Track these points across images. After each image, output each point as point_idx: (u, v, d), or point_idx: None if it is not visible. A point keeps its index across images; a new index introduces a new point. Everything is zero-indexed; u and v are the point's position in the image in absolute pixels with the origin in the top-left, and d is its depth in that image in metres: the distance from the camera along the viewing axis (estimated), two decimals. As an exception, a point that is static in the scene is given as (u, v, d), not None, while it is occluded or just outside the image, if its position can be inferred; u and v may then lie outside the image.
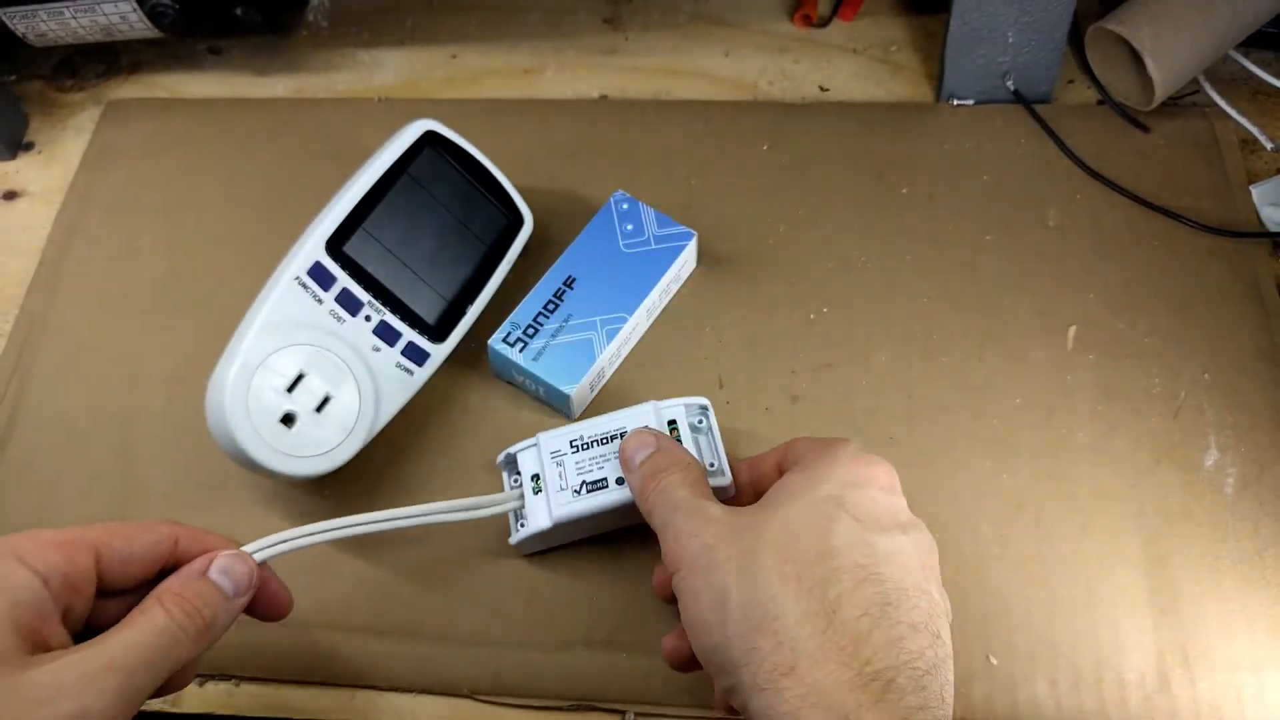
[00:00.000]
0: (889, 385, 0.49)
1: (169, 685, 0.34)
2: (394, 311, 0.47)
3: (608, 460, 0.43)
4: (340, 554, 0.46)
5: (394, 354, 0.47)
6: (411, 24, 0.65)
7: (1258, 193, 0.54)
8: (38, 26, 0.58)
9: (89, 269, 0.55)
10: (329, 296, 0.45)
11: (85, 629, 0.33)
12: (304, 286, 0.45)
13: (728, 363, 0.50)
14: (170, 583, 0.34)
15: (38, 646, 0.31)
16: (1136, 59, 0.55)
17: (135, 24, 0.57)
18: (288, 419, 0.44)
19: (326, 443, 0.44)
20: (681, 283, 0.52)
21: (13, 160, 0.61)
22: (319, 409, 0.44)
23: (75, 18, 0.57)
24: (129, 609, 0.33)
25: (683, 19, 0.65)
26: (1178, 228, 0.53)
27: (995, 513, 0.46)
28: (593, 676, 0.44)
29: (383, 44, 0.65)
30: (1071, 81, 0.60)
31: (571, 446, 0.43)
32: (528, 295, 0.49)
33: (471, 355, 0.51)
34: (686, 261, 0.52)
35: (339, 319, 0.45)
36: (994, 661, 0.43)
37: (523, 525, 0.44)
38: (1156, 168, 0.55)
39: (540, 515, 0.43)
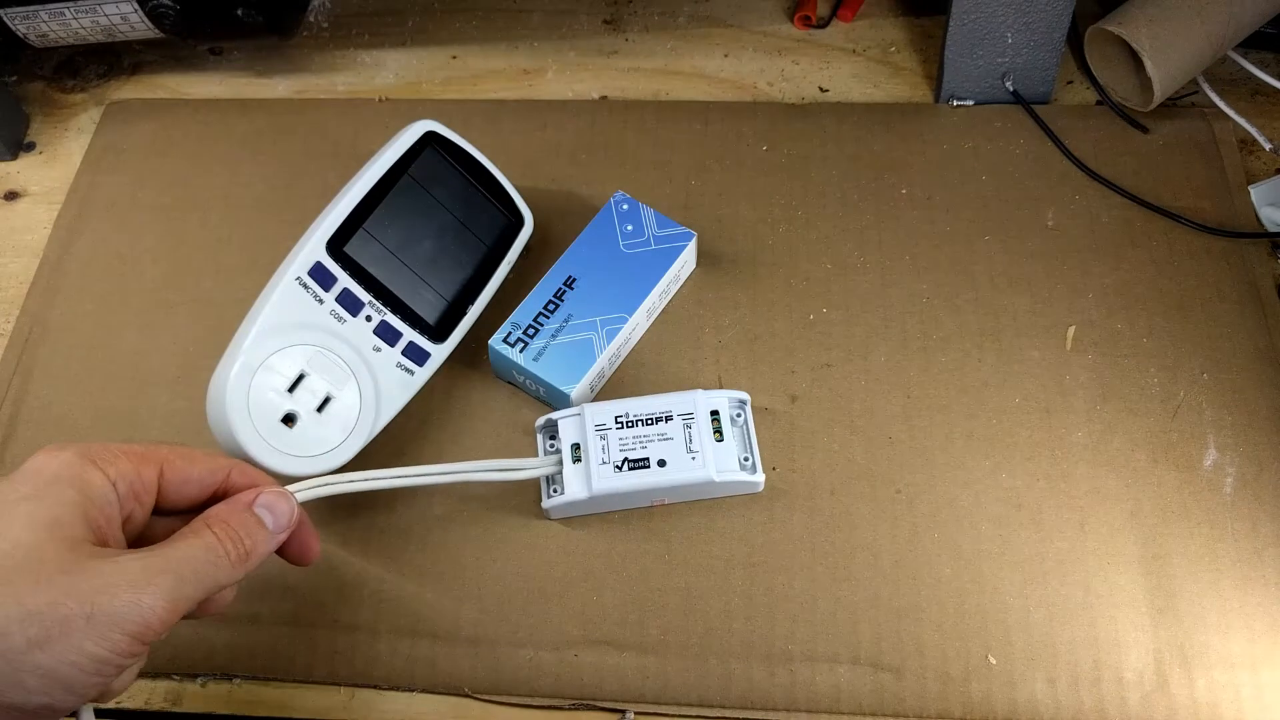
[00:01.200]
0: (887, 385, 0.49)
1: (207, 606, 0.36)
2: (395, 312, 0.47)
3: (651, 440, 0.44)
4: (340, 553, 0.47)
5: (395, 354, 0.47)
6: (412, 25, 0.66)
7: (1256, 193, 0.54)
8: (39, 27, 0.58)
9: (90, 269, 0.56)
10: (330, 297, 0.45)
11: (138, 540, 0.36)
12: (305, 287, 0.45)
13: (727, 363, 0.50)
14: (219, 509, 0.36)
15: (100, 544, 0.33)
16: (1135, 60, 0.55)
17: (136, 25, 0.57)
18: (289, 419, 0.44)
19: (327, 443, 0.45)
20: (681, 283, 0.53)
21: (14, 161, 0.61)
22: (320, 409, 0.44)
23: (76, 18, 0.57)
24: (177, 529, 0.36)
25: (682, 20, 0.65)
26: (1176, 228, 0.53)
27: (994, 512, 0.46)
28: (593, 676, 0.44)
29: (383, 45, 0.65)
30: (1070, 82, 0.60)
31: (617, 422, 0.44)
32: (528, 295, 0.49)
33: (472, 355, 0.51)
34: (686, 262, 0.52)
35: (340, 319, 0.45)
36: (993, 661, 0.43)
37: (555, 491, 0.45)
38: (1155, 168, 0.55)
39: (578, 485, 0.44)
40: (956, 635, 0.44)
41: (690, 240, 0.51)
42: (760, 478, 0.45)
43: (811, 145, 0.57)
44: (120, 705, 0.44)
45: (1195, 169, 0.55)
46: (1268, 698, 0.42)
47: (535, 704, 0.43)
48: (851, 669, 0.43)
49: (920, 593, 0.44)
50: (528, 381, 0.49)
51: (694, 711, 0.43)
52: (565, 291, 0.50)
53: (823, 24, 0.64)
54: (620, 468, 0.44)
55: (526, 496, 0.47)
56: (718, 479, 0.44)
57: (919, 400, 0.49)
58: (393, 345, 0.47)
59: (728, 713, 0.43)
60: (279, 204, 0.57)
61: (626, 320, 0.49)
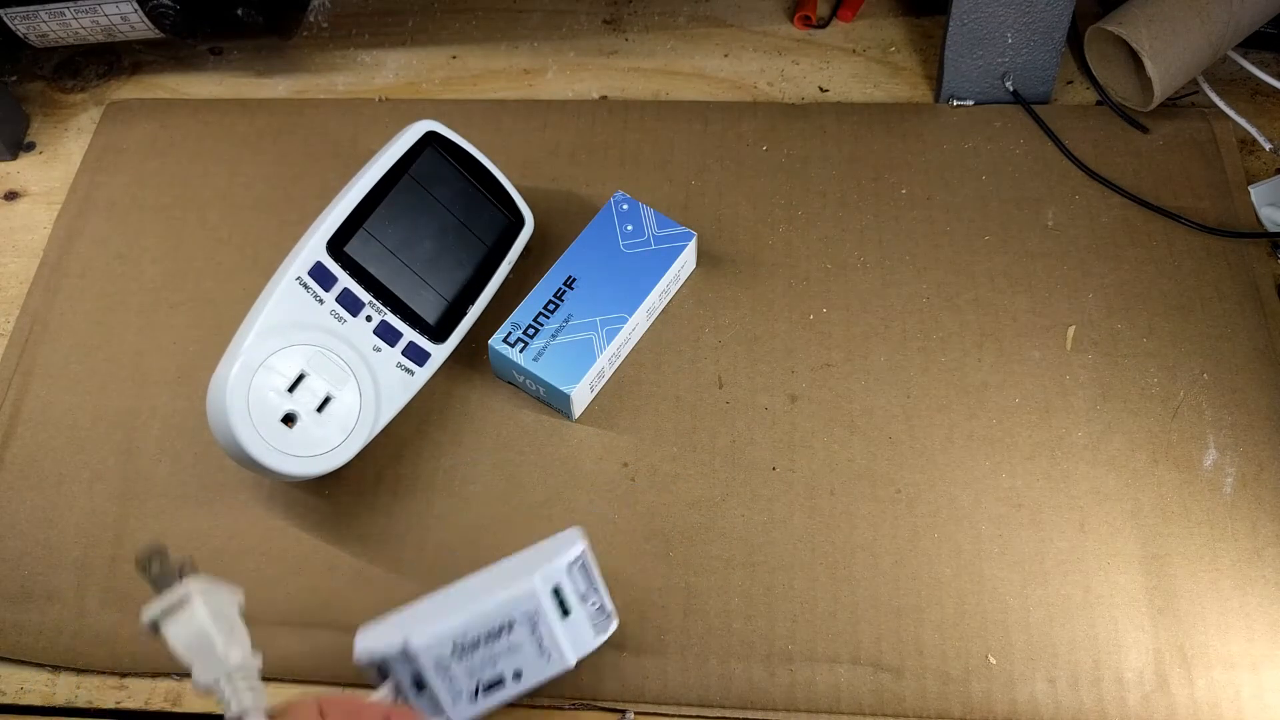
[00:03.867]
0: (887, 385, 0.50)
1: None
2: (395, 312, 0.47)
3: (501, 655, 0.39)
4: (341, 553, 0.47)
5: (395, 354, 0.47)
6: (412, 25, 0.66)
7: (1256, 193, 0.54)
8: (39, 27, 0.58)
9: (90, 269, 0.56)
10: (330, 297, 0.45)
11: None
12: (305, 287, 0.45)
13: (727, 363, 0.50)
14: None
15: None
16: (1135, 60, 0.55)
17: (136, 25, 0.57)
18: (289, 419, 0.44)
19: (327, 442, 0.45)
20: (681, 283, 0.53)
21: (14, 161, 0.61)
22: (320, 409, 0.44)
23: (76, 18, 0.57)
24: None
25: (682, 20, 0.65)
26: (1176, 228, 0.53)
27: (994, 512, 0.46)
28: (592, 676, 0.44)
29: (383, 45, 0.65)
30: (1070, 82, 0.60)
31: (458, 654, 0.39)
32: (528, 295, 0.49)
33: (472, 355, 0.51)
34: (686, 262, 0.52)
35: (340, 319, 0.46)
36: (993, 661, 0.43)
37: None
38: (1155, 168, 0.55)
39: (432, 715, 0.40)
40: (956, 635, 0.44)
41: (690, 240, 0.51)
42: (613, 625, 0.42)
43: (811, 145, 0.57)
44: (120, 705, 0.44)
45: (1195, 169, 0.55)
46: (1268, 698, 0.42)
47: (535, 704, 0.43)
48: (851, 669, 0.43)
49: (920, 593, 0.44)
50: (528, 381, 0.49)
51: (694, 711, 0.43)
52: (565, 291, 0.50)
53: (823, 24, 0.64)
54: (476, 695, 0.39)
55: (527, 497, 0.47)
56: (576, 660, 0.41)
57: (919, 400, 0.49)
58: (393, 345, 0.47)
59: (728, 713, 0.43)
60: (279, 204, 0.57)
61: (626, 320, 0.49)
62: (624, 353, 0.51)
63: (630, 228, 0.51)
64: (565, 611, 0.40)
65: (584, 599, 0.41)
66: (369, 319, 0.46)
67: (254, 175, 0.58)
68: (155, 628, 0.34)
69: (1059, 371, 0.49)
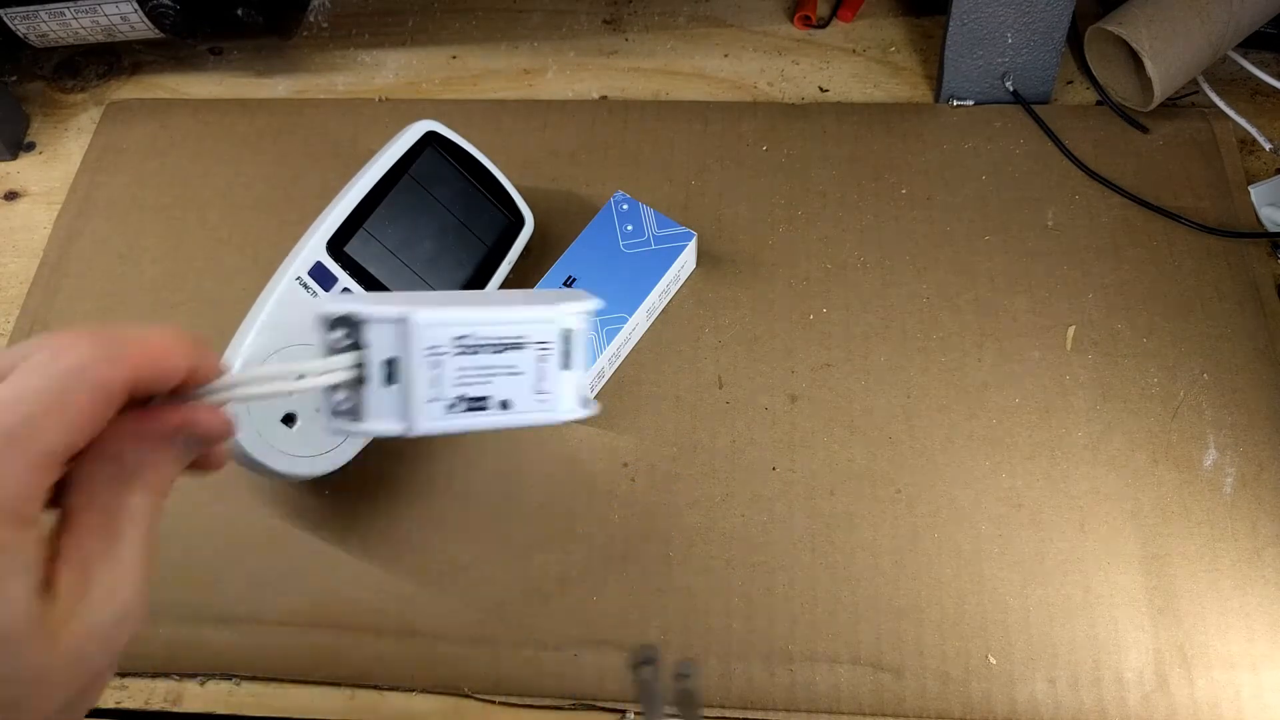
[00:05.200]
0: (887, 385, 0.49)
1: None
2: None
3: (497, 374, 0.33)
4: (341, 553, 0.47)
5: None
6: (412, 25, 0.66)
7: (1256, 193, 0.54)
8: (39, 27, 0.58)
9: (90, 269, 0.56)
10: (329, 297, 0.45)
11: None
12: (305, 286, 0.45)
13: (727, 362, 0.50)
14: (129, 450, 0.27)
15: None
16: (1135, 60, 0.55)
17: (136, 25, 0.57)
18: (289, 419, 0.44)
19: (327, 443, 0.45)
20: (681, 283, 0.53)
21: (14, 160, 0.61)
22: (320, 409, 0.44)
23: (76, 18, 0.57)
24: None
25: (682, 20, 0.65)
26: (1176, 228, 0.53)
27: (994, 512, 0.46)
28: (593, 676, 0.44)
29: (383, 45, 0.65)
30: (1070, 82, 0.60)
31: (456, 345, 0.32)
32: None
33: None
34: (686, 262, 0.52)
35: None
36: (993, 661, 0.43)
37: (350, 411, 0.32)
38: (1155, 168, 0.55)
39: (389, 415, 0.32)
40: (956, 635, 0.44)
41: (690, 240, 0.51)
42: (594, 409, 0.36)
43: (811, 145, 0.57)
44: (120, 705, 0.44)
45: (1195, 169, 0.55)
46: (1268, 698, 0.42)
47: (535, 704, 0.43)
48: (851, 669, 0.43)
49: (920, 593, 0.44)
50: None
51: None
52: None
53: (823, 24, 0.64)
54: (454, 406, 0.32)
55: (527, 497, 0.47)
56: (564, 419, 0.35)
57: (919, 400, 0.49)
58: None
59: (728, 713, 0.43)
60: (279, 204, 0.57)
61: (626, 320, 0.49)
62: (624, 353, 0.50)
63: (630, 228, 0.51)
64: (567, 361, 0.35)
65: (584, 361, 0.35)
66: None
67: (254, 175, 0.58)
68: None
69: (1059, 371, 0.49)
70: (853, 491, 0.47)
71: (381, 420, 0.32)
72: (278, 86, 0.63)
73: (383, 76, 0.63)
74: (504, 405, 0.33)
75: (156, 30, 0.57)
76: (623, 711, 0.43)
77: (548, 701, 0.43)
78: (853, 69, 0.62)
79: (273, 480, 0.47)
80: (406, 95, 0.62)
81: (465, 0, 0.66)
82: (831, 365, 0.50)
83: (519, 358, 0.34)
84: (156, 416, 0.28)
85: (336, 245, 0.46)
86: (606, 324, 0.49)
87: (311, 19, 0.66)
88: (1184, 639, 0.43)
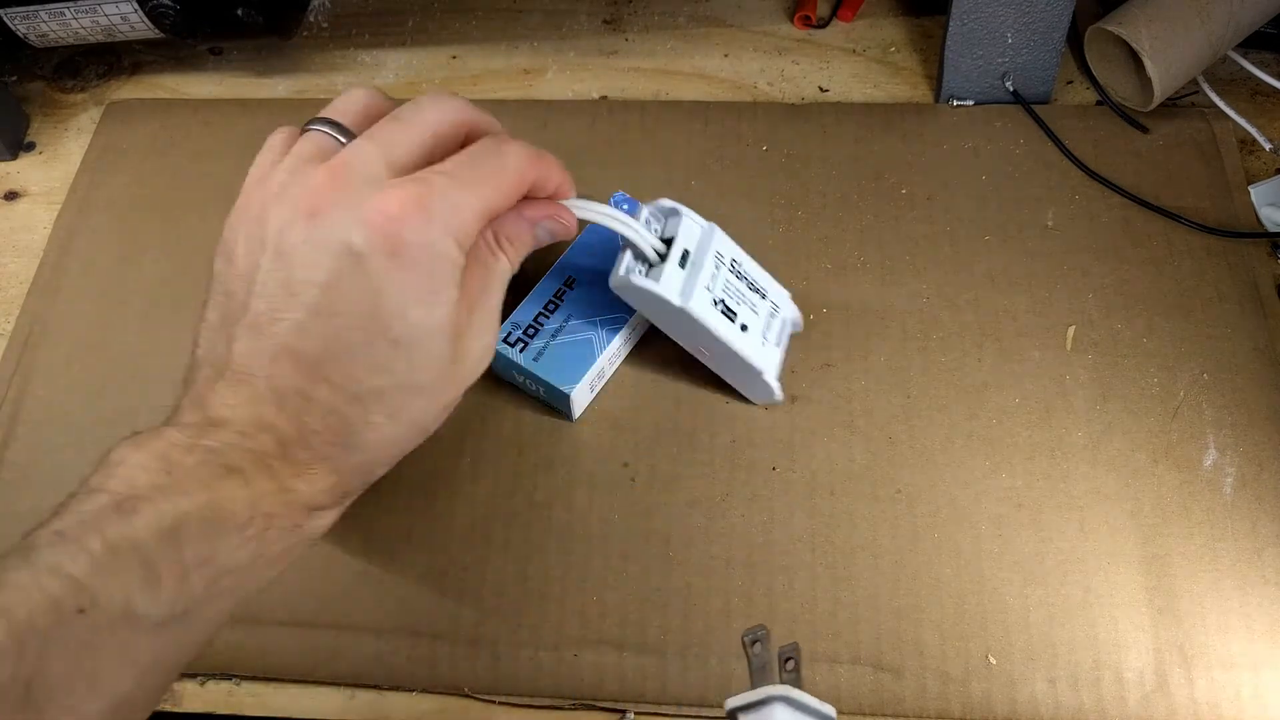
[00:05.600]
0: (887, 385, 0.49)
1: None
2: None
3: (744, 302, 0.45)
4: (341, 553, 0.47)
5: None
6: (412, 25, 0.66)
7: (1256, 193, 0.54)
8: (39, 27, 0.58)
9: (90, 269, 0.56)
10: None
11: None
12: None
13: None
14: (504, 224, 0.38)
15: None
16: (1135, 60, 0.55)
17: (136, 25, 0.57)
18: None
19: None
20: None
21: (14, 161, 0.61)
22: None
23: (76, 18, 0.57)
24: None
25: (682, 20, 0.65)
26: (1176, 228, 0.53)
27: (994, 512, 0.46)
28: (593, 676, 0.44)
29: (383, 45, 0.65)
30: (1070, 82, 0.60)
31: (732, 268, 0.45)
32: (528, 295, 0.49)
33: (485, 387, 0.51)
34: None
35: None
36: (993, 661, 0.43)
37: (641, 273, 0.44)
38: (1155, 168, 0.55)
39: (673, 288, 0.43)
40: (956, 635, 0.44)
41: None
42: (782, 394, 0.47)
43: (811, 145, 0.57)
44: (120, 705, 0.44)
45: (1195, 169, 0.55)
46: (1268, 698, 0.42)
47: (535, 704, 0.43)
48: (851, 669, 0.43)
49: (920, 593, 0.44)
50: (528, 381, 0.49)
51: (694, 711, 0.43)
52: (565, 292, 0.50)
53: (823, 24, 0.64)
54: (716, 304, 0.44)
55: (527, 497, 0.47)
56: (765, 376, 0.46)
57: (919, 400, 0.49)
58: None
59: (728, 713, 0.43)
60: (279, 204, 0.57)
61: (626, 320, 0.49)
62: (624, 353, 0.50)
63: None
64: (776, 343, 0.46)
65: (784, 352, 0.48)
66: None
67: (254, 175, 0.58)
68: (733, 718, 0.32)
69: (1059, 371, 0.49)
70: (853, 491, 0.47)
71: (668, 287, 0.43)
72: (278, 86, 0.63)
73: (383, 76, 0.63)
74: (743, 328, 0.44)
75: (156, 30, 0.57)
76: (623, 712, 0.43)
77: (548, 701, 0.43)
78: (853, 69, 0.62)
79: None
80: (406, 95, 0.62)
81: (465, 0, 0.66)
82: (831, 365, 0.50)
83: (760, 303, 0.46)
84: (533, 205, 0.39)
85: None
86: (606, 324, 0.49)
87: (311, 19, 0.66)
88: (1184, 639, 0.43)
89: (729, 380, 0.48)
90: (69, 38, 0.59)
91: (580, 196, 0.42)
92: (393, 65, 0.64)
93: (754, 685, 0.32)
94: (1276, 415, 0.48)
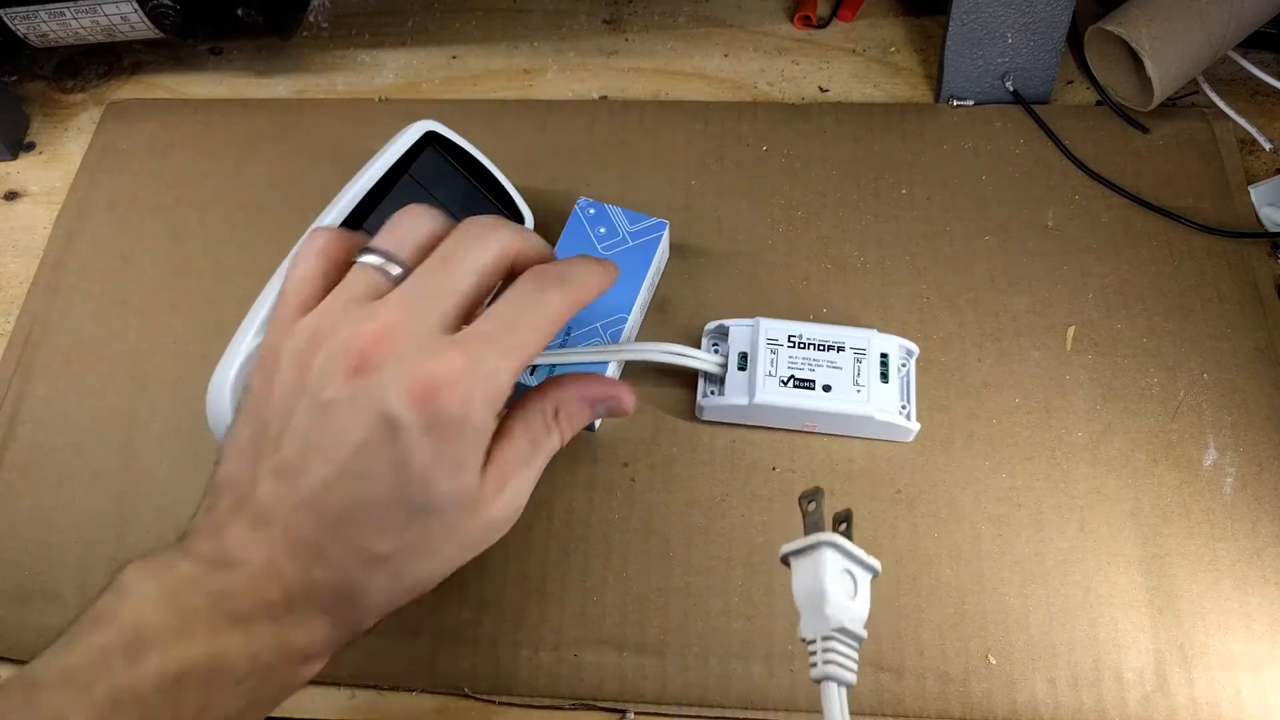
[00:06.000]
0: (888, 385, 0.49)
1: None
2: None
3: (820, 365, 0.46)
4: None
5: None
6: (412, 25, 0.66)
7: (1256, 193, 0.54)
8: (39, 27, 0.58)
9: (90, 269, 0.56)
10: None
11: None
12: None
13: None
14: (565, 402, 0.38)
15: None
16: (1135, 60, 0.55)
17: (136, 25, 0.57)
18: None
19: None
20: (660, 273, 0.52)
21: (14, 161, 0.61)
22: None
23: (76, 18, 0.57)
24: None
25: (682, 20, 0.65)
26: (1176, 228, 0.53)
27: (993, 512, 0.46)
28: (593, 676, 0.44)
29: (383, 45, 0.65)
30: (1070, 82, 0.60)
31: (789, 341, 0.46)
32: None
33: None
34: (662, 252, 0.52)
35: None
36: (993, 661, 0.43)
37: (714, 392, 0.47)
38: (1155, 168, 0.55)
39: (739, 391, 0.46)
40: (956, 635, 0.44)
41: (664, 229, 0.51)
42: (915, 426, 0.47)
43: (811, 145, 0.57)
44: (120, 705, 0.44)
45: (1195, 169, 0.55)
46: (1268, 698, 0.42)
47: (535, 704, 0.43)
48: (851, 669, 0.43)
49: (920, 593, 0.44)
50: None
51: (694, 711, 0.43)
52: None
53: (823, 24, 0.64)
54: (785, 383, 0.45)
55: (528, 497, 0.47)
56: (878, 417, 0.46)
57: (919, 400, 0.49)
58: None
59: (728, 713, 0.43)
60: (279, 204, 0.57)
61: (626, 319, 0.49)
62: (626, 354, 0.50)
63: (603, 230, 0.51)
64: (884, 378, 0.46)
65: (900, 386, 0.47)
66: None
67: (254, 175, 0.58)
68: (786, 563, 0.34)
69: (1059, 371, 0.49)
70: (853, 491, 0.47)
71: (734, 394, 0.46)
72: (278, 86, 0.63)
73: (383, 76, 0.63)
74: (826, 389, 0.45)
75: (156, 30, 0.57)
76: (623, 712, 0.43)
77: (547, 702, 0.43)
78: (853, 69, 0.62)
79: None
80: (406, 95, 0.62)
81: (465, 0, 0.66)
82: (831, 365, 0.50)
83: (838, 357, 0.46)
84: (593, 384, 0.39)
85: None
86: (608, 327, 0.49)
87: (311, 19, 0.66)
88: (1184, 639, 0.43)
89: (865, 435, 0.48)
90: (69, 38, 0.59)
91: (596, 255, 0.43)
92: (393, 65, 0.64)
93: (807, 534, 0.33)
94: (1276, 415, 0.48)
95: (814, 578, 0.32)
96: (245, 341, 0.43)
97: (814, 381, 0.45)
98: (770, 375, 0.46)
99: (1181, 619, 0.43)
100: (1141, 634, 0.43)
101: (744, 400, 0.46)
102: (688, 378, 0.50)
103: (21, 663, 0.45)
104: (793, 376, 0.45)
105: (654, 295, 0.52)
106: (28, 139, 0.62)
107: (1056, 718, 0.42)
